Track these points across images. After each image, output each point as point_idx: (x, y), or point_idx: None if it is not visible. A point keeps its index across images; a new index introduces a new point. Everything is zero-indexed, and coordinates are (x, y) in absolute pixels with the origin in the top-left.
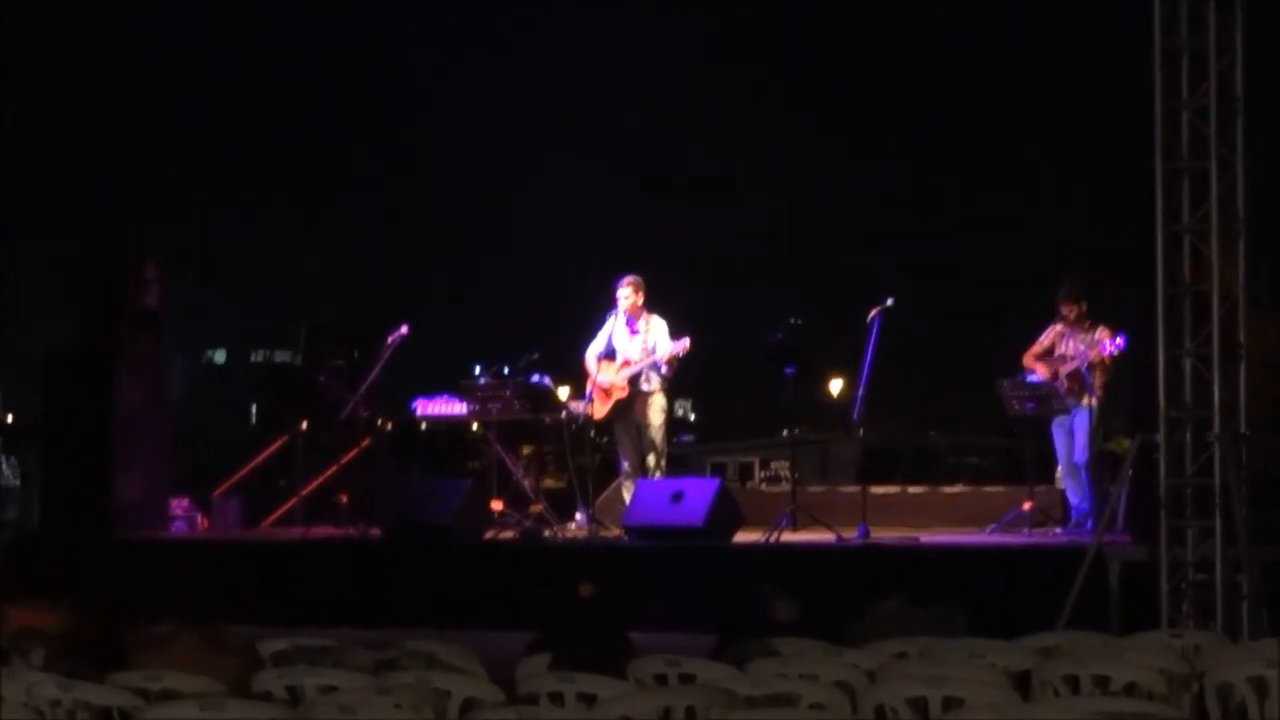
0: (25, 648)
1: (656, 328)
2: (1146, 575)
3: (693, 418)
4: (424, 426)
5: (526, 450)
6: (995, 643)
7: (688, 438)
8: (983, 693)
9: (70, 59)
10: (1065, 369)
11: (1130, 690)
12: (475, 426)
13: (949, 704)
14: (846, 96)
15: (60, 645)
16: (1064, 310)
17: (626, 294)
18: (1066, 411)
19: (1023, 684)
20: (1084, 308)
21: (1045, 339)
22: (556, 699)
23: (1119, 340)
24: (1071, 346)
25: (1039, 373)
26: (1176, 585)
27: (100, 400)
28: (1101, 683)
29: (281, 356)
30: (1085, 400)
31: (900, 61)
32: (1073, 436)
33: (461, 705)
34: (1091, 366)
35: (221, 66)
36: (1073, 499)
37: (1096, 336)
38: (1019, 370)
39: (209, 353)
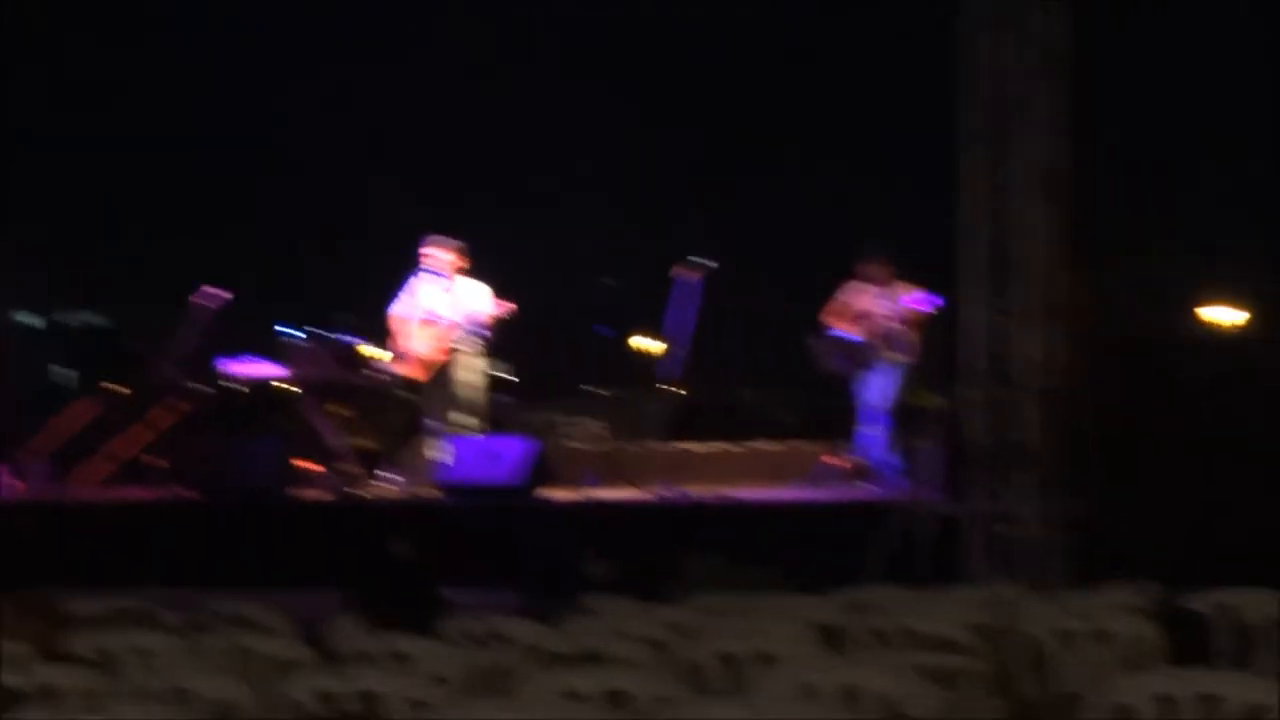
0: None
1: (472, 288)
2: (954, 529)
3: (507, 377)
4: (236, 388)
5: (338, 410)
6: (806, 598)
7: (503, 396)
8: (794, 647)
9: None
10: (872, 326)
11: (939, 643)
12: (287, 387)
13: (761, 659)
14: (654, 60)
15: None
16: (868, 269)
17: (440, 254)
18: (876, 367)
19: (834, 638)
20: (888, 265)
21: (849, 297)
22: (368, 658)
23: (924, 296)
24: (879, 304)
25: (847, 331)
26: (983, 539)
27: None
28: (911, 636)
29: (92, 320)
30: (894, 356)
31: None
32: (880, 391)
33: (273, 665)
34: (899, 322)
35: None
36: (874, 451)
37: (902, 292)
38: (824, 328)
39: (17, 314)
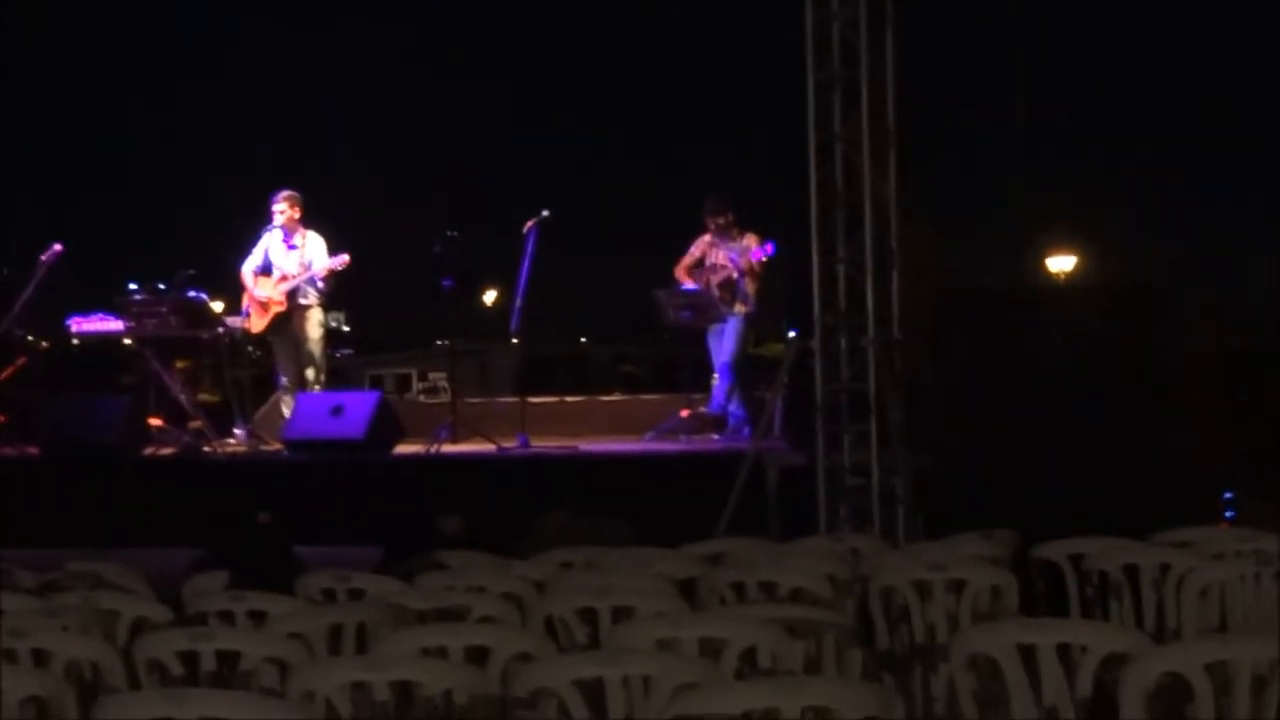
0: None
1: (313, 243)
2: (803, 480)
3: (347, 329)
4: (79, 344)
5: (182, 365)
6: (660, 551)
7: (346, 351)
8: (651, 601)
9: None
10: (717, 278)
11: (796, 595)
12: (132, 343)
13: (619, 614)
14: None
15: None
16: (711, 221)
17: (283, 209)
18: (722, 319)
19: (689, 591)
20: (731, 217)
21: (695, 250)
22: (226, 617)
23: (768, 247)
24: (722, 255)
25: (691, 283)
26: (833, 490)
27: None
28: (768, 589)
29: None
30: (738, 307)
31: None
32: (725, 343)
33: (131, 625)
34: (743, 273)
35: None
36: (716, 401)
37: (745, 244)
38: (672, 282)
39: None
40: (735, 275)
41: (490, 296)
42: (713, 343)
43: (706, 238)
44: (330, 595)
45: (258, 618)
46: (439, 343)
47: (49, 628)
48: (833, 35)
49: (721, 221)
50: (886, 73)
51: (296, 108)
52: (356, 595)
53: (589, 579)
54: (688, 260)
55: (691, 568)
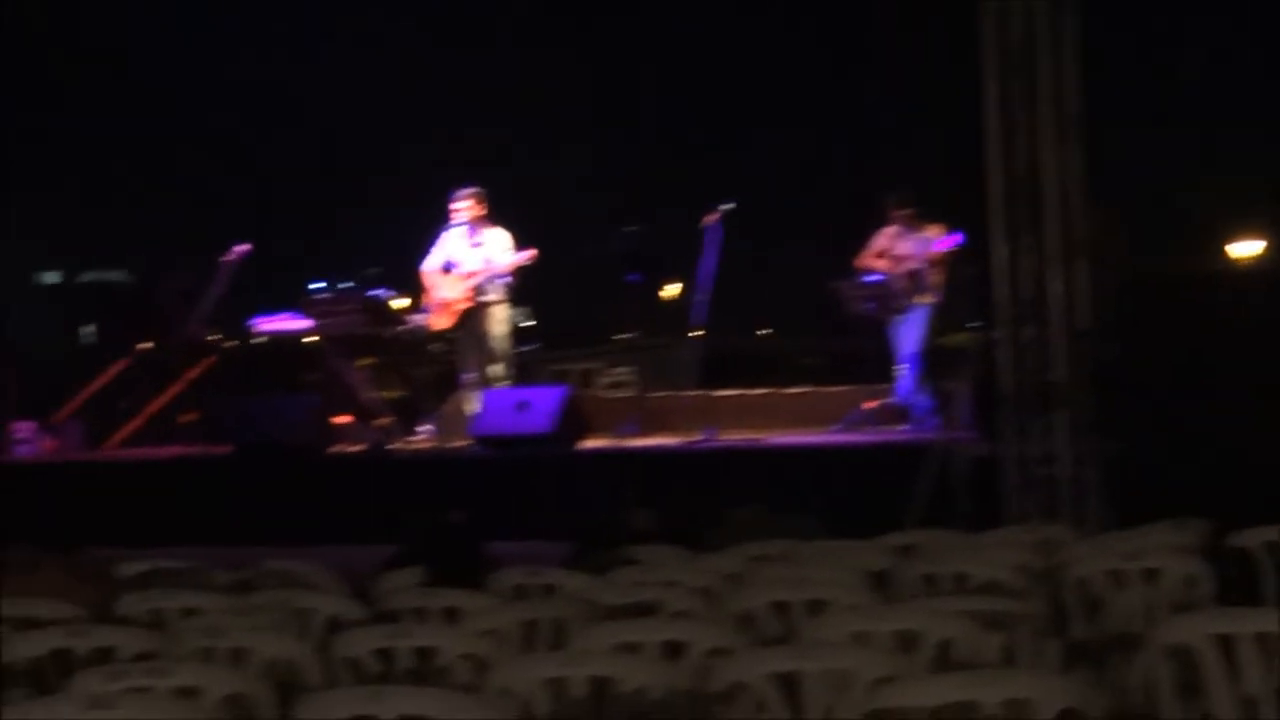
0: None
1: (497, 239)
2: (991, 471)
3: (532, 324)
4: (265, 343)
5: (366, 363)
6: (852, 543)
7: (530, 346)
8: (844, 594)
9: None
10: (901, 268)
11: (989, 587)
12: (317, 341)
13: (813, 607)
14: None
15: None
16: (895, 213)
17: (467, 205)
18: (905, 310)
19: (882, 584)
20: (915, 209)
21: (879, 242)
22: (420, 614)
23: (953, 236)
24: (906, 246)
25: (875, 274)
26: (1022, 480)
27: None
28: (960, 580)
29: (114, 277)
30: (923, 298)
31: None
32: (910, 333)
33: (325, 623)
34: (927, 264)
35: None
36: (902, 392)
37: (929, 234)
38: (854, 273)
39: (39, 274)
40: (919, 266)
41: (672, 290)
42: (897, 334)
43: (890, 229)
44: (522, 591)
45: (452, 614)
46: (620, 337)
47: (245, 627)
48: (1015, 19)
49: (905, 213)
50: (1069, 57)
51: (479, 102)
52: (548, 591)
53: (782, 572)
54: (871, 252)
55: (883, 560)
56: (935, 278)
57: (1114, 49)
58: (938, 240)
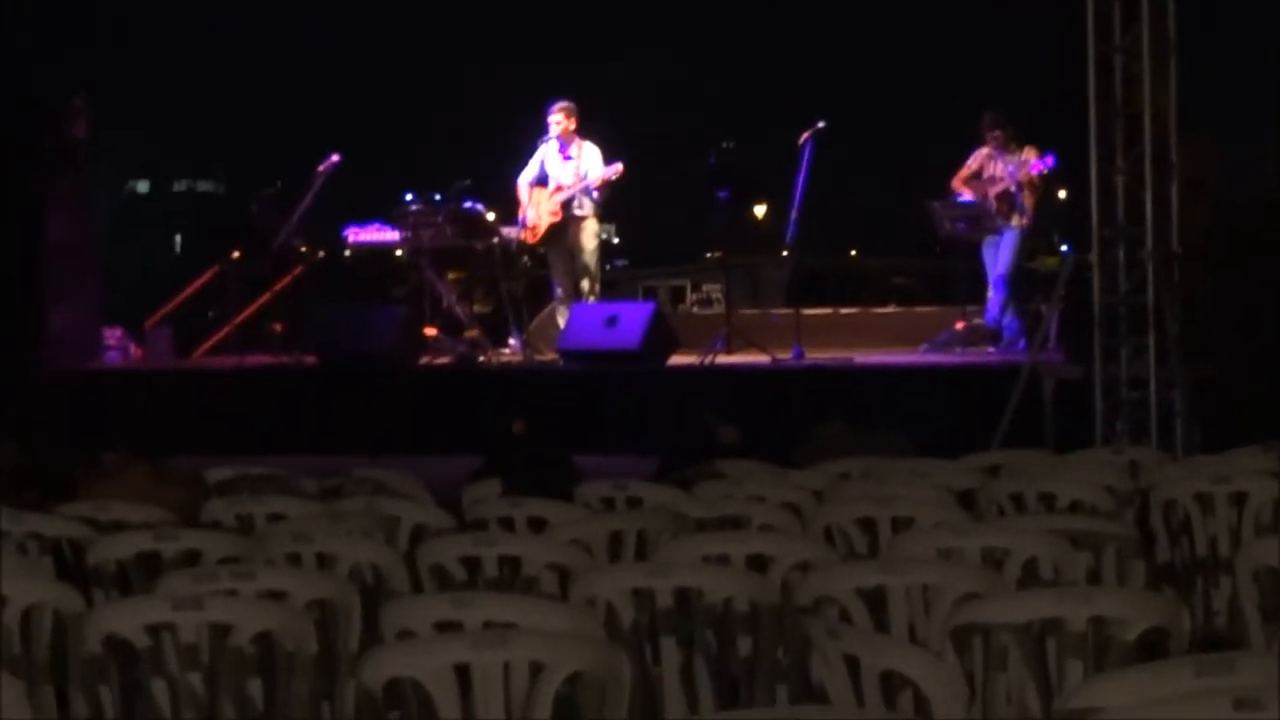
0: None
1: (589, 153)
2: (1080, 393)
3: (616, 241)
4: (354, 254)
5: (456, 276)
6: (938, 462)
7: (620, 262)
8: (931, 512)
9: None
10: (994, 189)
11: (1076, 507)
12: (408, 253)
13: (898, 524)
14: None
15: (5, 476)
16: (989, 134)
17: (558, 119)
18: (997, 231)
19: (968, 503)
20: (1009, 130)
21: (973, 163)
22: (506, 524)
23: (1048, 159)
24: (1000, 168)
25: (968, 195)
26: (1110, 403)
27: (27, 233)
28: (1047, 500)
29: (204, 186)
30: (1015, 220)
31: None
32: (1002, 255)
33: (411, 531)
34: (1020, 186)
35: None
36: (991, 313)
37: (1024, 157)
38: (947, 193)
39: (131, 183)
40: (1013, 188)
41: (759, 208)
42: (988, 255)
43: (984, 150)
44: (609, 504)
45: (538, 525)
46: (710, 255)
47: (332, 532)
48: None
49: (999, 135)
50: None
51: (577, 11)
52: (635, 503)
53: (868, 489)
54: (965, 172)
55: (970, 479)
56: (1028, 200)
57: None
58: (1032, 163)
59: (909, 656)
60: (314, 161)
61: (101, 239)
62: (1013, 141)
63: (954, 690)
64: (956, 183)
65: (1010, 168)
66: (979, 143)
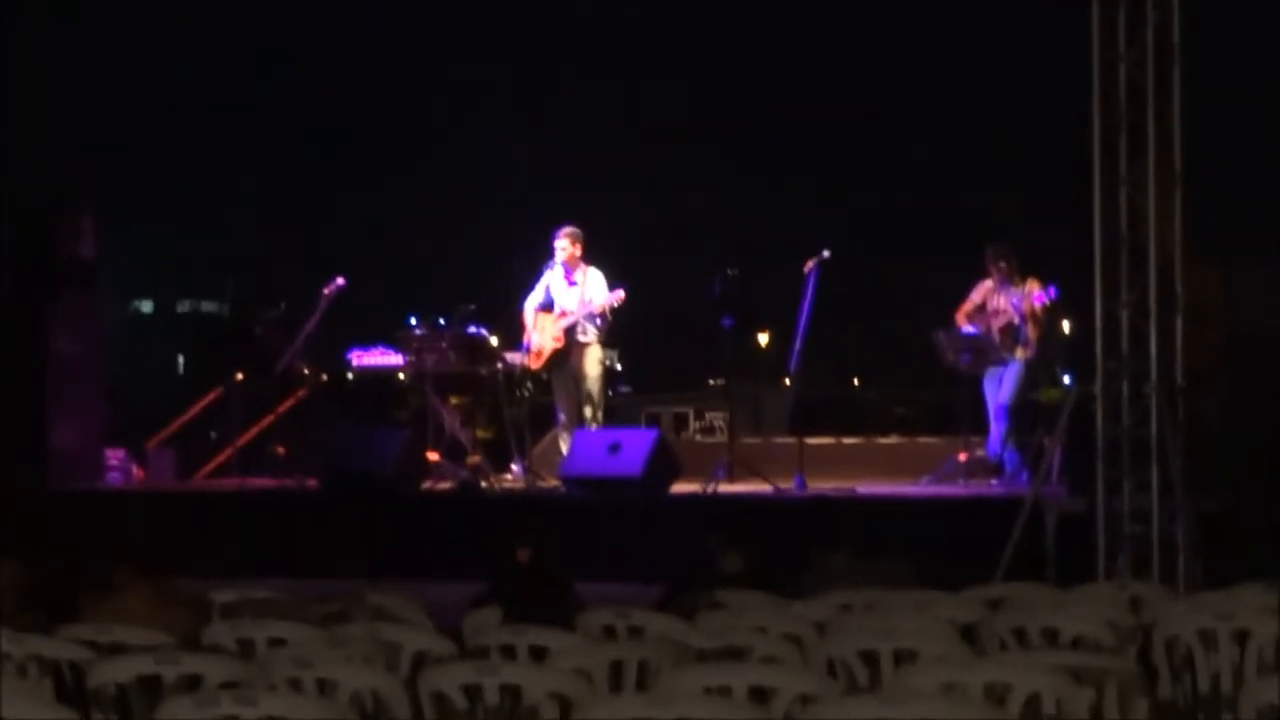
0: None
1: (593, 279)
2: (1083, 526)
3: (620, 367)
4: (357, 377)
5: (459, 400)
6: (941, 594)
7: (624, 389)
8: (933, 645)
9: None
10: (998, 322)
11: (1079, 643)
12: (410, 377)
13: (900, 656)
14: (775, 43)
15: (6, 596)
16: (994, 266)
17: (564, 245)
18: (1001, 363)
19: (971, 636)
20: (1014, 262)
21: (976, 295)
22: (508, 652)
23: (1050, 290)
24: (1003, 300)
25: (973, 326)
26: (1113, 536)
27: (33, 350)
28: (1050, 635)
29: (208, 307)
30: (1019, 352)
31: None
32: (1006, 387)
33: (413, 658)
34: (1024, 318)
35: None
36: (994, 445)
37: (1027, 289)
38: (950, 325)
39: (134, 302)
40: (1016, 320)
41: (764, 337)
42: (990, 387)
43: (987, 283)
44: (610, 632)
45: (539, 653)
46: (713, 382)
47: (334, 658)
48: (1120, 77)
49: (1005, 266)
50: (1173, 114)
51: (577, 144)
52: (637, 632)
53: (870, 621)
54: (968, 306)
55: (972, 612)
56: (1032, 332)
57: (1221, 105)
58: (1035, 294)
59: None
60: (318, 283)
61: (107, 358)
62: (1016, 274)
63: None
64: (960, 316)
65: (1014, 300)
66: (982, 274)
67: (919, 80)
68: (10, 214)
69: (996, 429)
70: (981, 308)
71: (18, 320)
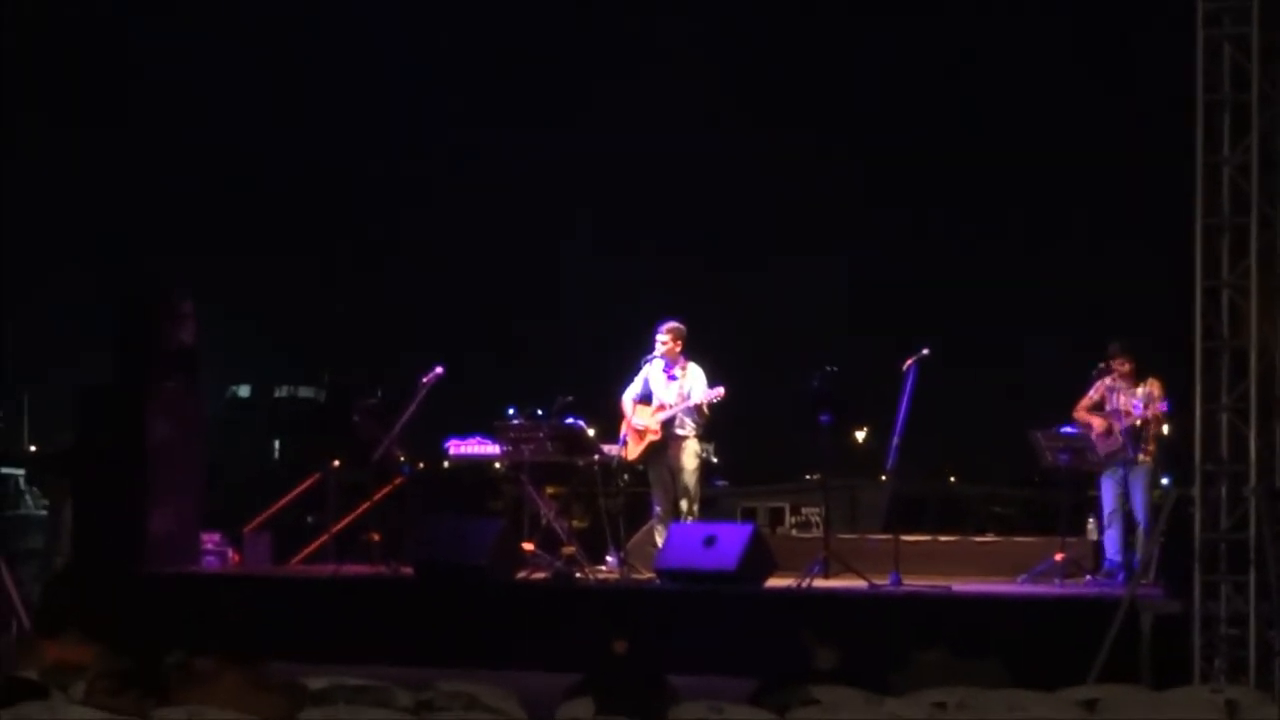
0: (64, 681)
1: (693, 374)
2: (1178, 629)
3: (716, 460)
4: (454, 466)
5: (555, 490)
6: (1034, 694)
7: (720, 482)
8: None
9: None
10: (1121, 424)
11: None
12: (500, 466)
13: None
14: (875, 148)
15: (102, 679)
16: (1116, 364)
17: (665, 340)
18: (1121, 465)
19: None
20: (1135, 363)
21: (1094, 393)
22: None
23: (1165, 400)
24: (1123, 400)
25: (1095, 426)
26: (1209, 639)
27: (133, 435)
28: None
29: (305, 393)
30: (1140, 457)
31: (941, 113)
32: (1128, 489)
33: None
34: (1147, 422)
35: (257, 101)
36: (1110, 552)
37: (1151, 390)
38: (1053, 421)
39: (232, 388)
40: (1139, 423)
41: (861, 434)
42: (1108, 487)
43: (1106, 381)
44: None
45: None
46: (810, 477)
47: None
48: (1223, 180)
49: (1130, 367)
50: (1276, 217)
51: (680, 237)
52: None
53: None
54: (1087, 402)
55: (1066, 712)
56: (1152, 433)
57: None
58: (1161, 403)
59: None
60: (413, 372)
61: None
62: (1134, 374)
63: None
64: (1079, 413)
65: (1136, 402)
66: (1104, 372)
67: (1014, 180)
68: (117, 301)
69: (1111, 532)
70: (1100, 405)
71: (121, 407)
